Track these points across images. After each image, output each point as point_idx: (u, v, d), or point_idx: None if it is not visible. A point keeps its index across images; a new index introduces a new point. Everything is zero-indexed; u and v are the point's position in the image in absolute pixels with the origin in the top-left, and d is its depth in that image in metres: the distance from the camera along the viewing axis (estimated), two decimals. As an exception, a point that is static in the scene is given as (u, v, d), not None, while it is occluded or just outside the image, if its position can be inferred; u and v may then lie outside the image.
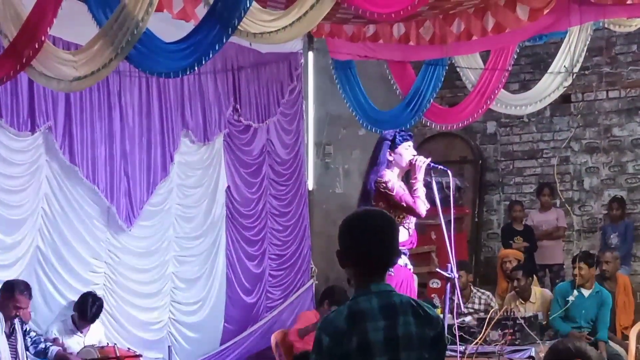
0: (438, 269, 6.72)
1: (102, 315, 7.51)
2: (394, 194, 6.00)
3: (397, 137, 6.20)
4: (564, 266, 10.43)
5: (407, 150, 6.16)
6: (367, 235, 3.04)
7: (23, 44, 5.08)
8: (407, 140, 6.21)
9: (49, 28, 5.14)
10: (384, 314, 2.96)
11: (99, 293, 7.62)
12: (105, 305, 7.60)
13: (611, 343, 8.34)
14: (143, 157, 8.19)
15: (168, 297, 8.45)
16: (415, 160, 6.12)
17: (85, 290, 7.50)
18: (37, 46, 5.09)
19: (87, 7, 5.47)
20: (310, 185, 10.08)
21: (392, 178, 6.08)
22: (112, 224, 7.92)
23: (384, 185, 6.02)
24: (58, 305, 7.49)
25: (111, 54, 5.29)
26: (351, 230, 3.08)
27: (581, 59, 8.64)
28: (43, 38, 5.12)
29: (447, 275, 6.29)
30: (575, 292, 8.35)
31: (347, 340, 2.91)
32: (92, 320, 7.36)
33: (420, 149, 11.46)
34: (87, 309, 7.28)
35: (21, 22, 5.14)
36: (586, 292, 8.38)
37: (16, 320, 6.76)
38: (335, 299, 8.52)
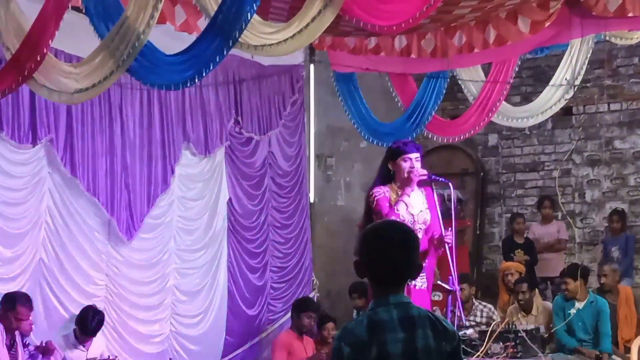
0: (439, 282, 6.71)
1: (103, 327, 7.49)
2: (373, 206, 5.98)
3: (400, 147, 6.15)
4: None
5: (405, 162, 6.07)
6: (386, 247, 3.00)
7: (25, 56, 5.09)
8: (406, 152, 6.10)
9: (51, 40, 5.15)
10: (403, 326, 2.95)
11: (100, 306, 7.62)
12: (106, 317, 7.59)
13: (614, 357, 8.33)
14: (144, 170, 8.19)
15: (169, 310, 8.43)
16: (410, 173, 6.03)
17: (86, 302, 7.49)
18: (39, 58, 5.10)
19: (89, 19, 5.48)
20: (311, 197, 10.08)
21: (380, 191, 6.03)
22: (113, 236, 7.91)
23: (371, 197, 6.02)
24: (60, 318, 7.47)
25: (112, 67, 5.29)
26: (371, 242, 3.04)
27: (582, 72, 8.64)
28: (45, 50, 5.12)
29: (449, 287, 6.28)
30: (574, 310, 8.34)
31: (367, 350, 2.91)
32: (93, 334, 7.34)
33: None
34: (87, 322, 7.27)
35: (23, 35, 5.15)
36: (581, 305, 8.38)
37: (17, 332, 6.75)
38: (298, 310, 8.54)
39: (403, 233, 3.06)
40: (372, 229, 3.11)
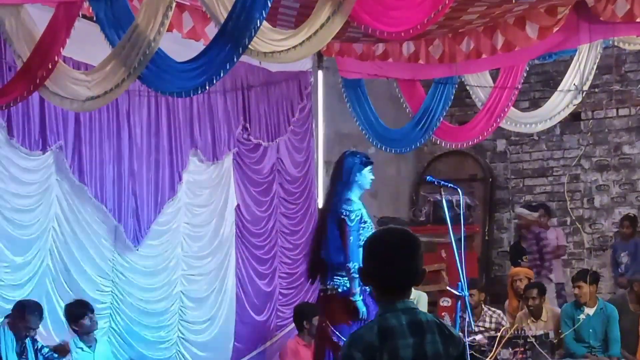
0: (448, 287, 6.73)
1: (110, 334, 7.50)
2: None
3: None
4: (565, 285, 10.38)
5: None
6: (390, 254, 3.03)
7: (37, 64, 5.11)
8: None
9: (62, 48, 5.17)
10: (412, 331, 2.97)
11: (106, 312, 7.66)
12: (112, 324, 7.63)
13: (624, 360, 8.34)
14: (151, 177, 8.19)
15: (177, 316, 8.42)
16: None
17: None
18: (50, 66, 5.12)
19: (100, 27, 5.49)
20: (320, 203, 10.07)
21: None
22: (120, 243, 7.91)
23: None
24: (66, 325, 7.47)
25: (124, 74, 5.31)
26: (374, 249, 3.07)
27: (591, 77, 8.62)
28: (56, 58, 5.15)
29: (458, 293, 6.29)
30: (583, 315, 8.32)
31: (378, 356, 2.92)
32: (82, 317, 7.14)
33: (430, 167, 11.49)
34: (70, 312, 7.19)
35: (34, 43, 5.17)
36: (591, 311, 8.37)
37: (27, 340, 6.76)
38: (309, 315, 8.50)
39: (406, 239, 3.08)
40: (375, 236, 3.15)
